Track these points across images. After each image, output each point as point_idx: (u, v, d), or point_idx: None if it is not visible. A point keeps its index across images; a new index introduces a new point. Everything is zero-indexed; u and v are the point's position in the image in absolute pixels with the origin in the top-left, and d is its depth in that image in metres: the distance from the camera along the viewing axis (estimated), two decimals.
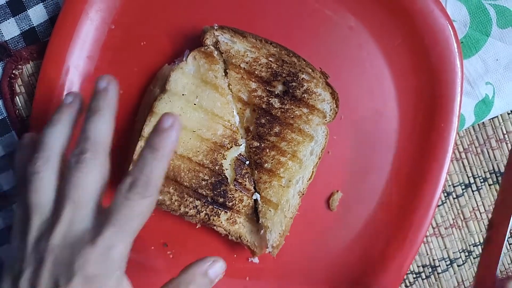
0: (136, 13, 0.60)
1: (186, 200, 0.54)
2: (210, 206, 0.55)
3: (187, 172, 0.54)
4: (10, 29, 0.61)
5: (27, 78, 0.62)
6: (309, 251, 0.63)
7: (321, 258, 0.63)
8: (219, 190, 0.55)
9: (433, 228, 0.66)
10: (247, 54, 0.55)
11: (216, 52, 0.55)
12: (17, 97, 0.62)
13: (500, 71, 0.62)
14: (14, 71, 0.61)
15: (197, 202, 0.54)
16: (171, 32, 0.60)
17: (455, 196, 0.66)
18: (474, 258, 0.67)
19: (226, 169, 0.55)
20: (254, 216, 0.57)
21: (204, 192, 0.55)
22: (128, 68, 0.61)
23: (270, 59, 0.55)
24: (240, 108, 0.56)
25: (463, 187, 0.66)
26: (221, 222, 0.56)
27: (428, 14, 0.60)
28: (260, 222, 0.56)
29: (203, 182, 0.54)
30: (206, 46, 0.55)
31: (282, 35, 0.59)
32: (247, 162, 0.56)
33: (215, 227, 0.56)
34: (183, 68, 0.54)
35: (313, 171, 0.58)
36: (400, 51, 0.62)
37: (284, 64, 0.55)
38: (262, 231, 0.56)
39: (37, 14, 0.61)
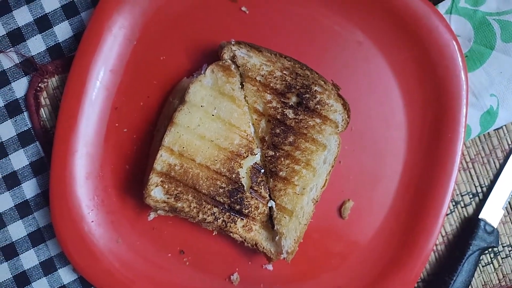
0: (157, 30, 0.63)
1: (204, 207, 0.57)
2: (227, 213, 0.57)
3: (205, 180, 0.56)
4: (36, 45, 0.65)
5: (52, 91, 0.65)
6: (321, 258, 0.65)
7: (334, 264, 0.65)
8: (236, 197, 0.57)
9: (442, 236, 0.68)
10: (263, 68, 0.58)
11: (233, 66, 0.58)
12: (42, 109, 0.65)
13: (504, 83, 0.65)
14: (40, 84, 0.64)
15: (215, 209, 0.57)
16: (189, 48, 0.64)
17: (463, 205, 0.68)
18: (483, 266, 0.68)
19: (243, 177, 0.58)
20: (269, 223, 0.59)
21: (221, 200, 0.57)
22: (148, 81, 0.64)
23: (285, 72, 0.58)
24: (256, 119, 0.58)
25: (471, 196, 0.68)
26: (238, 229, 0.58)
27: (433, 30, 0.63)
28: (275, 228, 0.58)
29: (221, 190, 0.57)
30: (224, 60, 0.58)
31: (294, 50, 0.63)
32: (262, 171, 0.58)
33: (231, 234, 0.58)
34: (201, 80, 0.57)
35: (326, 179, 0.60)
36: (407, 65, 0.65)
37: (298, 77, 0.58)
38: (277, 237, 0.58)
39: (62, 31, 0.65)
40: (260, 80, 0.58)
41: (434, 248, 0.67)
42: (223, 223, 0.57)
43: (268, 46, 0.60)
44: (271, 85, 0.58)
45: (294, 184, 0.58)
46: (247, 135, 0.58)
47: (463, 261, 0.64)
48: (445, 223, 0.68)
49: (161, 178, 0.55)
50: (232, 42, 0.58)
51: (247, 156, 0.57)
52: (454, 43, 0.63)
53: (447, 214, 0.67)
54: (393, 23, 0.64)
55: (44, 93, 0.65)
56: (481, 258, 0.67)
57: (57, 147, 0.61)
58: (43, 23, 0.65)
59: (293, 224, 0.58)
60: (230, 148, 0.57)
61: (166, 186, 0.56)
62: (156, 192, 0.55)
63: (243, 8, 0.64)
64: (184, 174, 0.56)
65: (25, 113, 0.65)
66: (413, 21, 0.63)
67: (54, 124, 0.64)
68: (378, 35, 0.65)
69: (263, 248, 0.59)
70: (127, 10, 0.62)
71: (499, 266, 0.68)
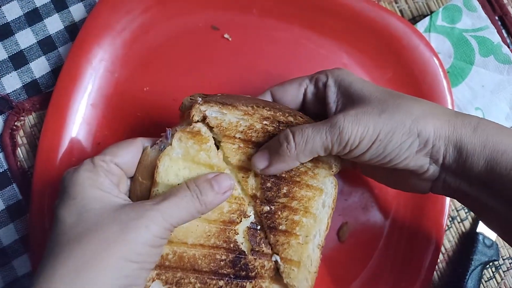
0: (139, 61, 0.62)
1: (209, 284, 0.52)
2: (234, 282, 0.53)
3: (203, 258, 0.51)
4: (12, 82, 0.62)
5: (29, 129, 0.61)
6: (323, 284, 0.62)
7: None
8: (239, 265, 0.53)
9: (443, 254, 0.66)
10: (240, 124, 0.52)
11: (203, 129, 0.51)
12: (18, 148, 0.61)
13: (487, 95, 0.66)
14: (16, 123, 0.61)
15: (221, 282, 0.52)
16: (173, 76, 0.62)
17: (459, 220, 0.67)
18: (485, 281, 0.67)
19: (241, 243, 0.53)
20: (278, 275, 0.56)
21: (225, 271, 0.52)
22: (131, 114, 0.61)
23: (265, 122, 0.53)
24: (243, 177, 0.53)
25: (466, 210, 0.68)
26: None
27: (414, 49, 0.64)
28: (285, 282, 0.55)
29: (222, 263, 0.52)
30: (192, 126, 0.50)
31: (281, 73, 0.62)
32: (259, 227, 0.54)
33: None
34: (169, 154, 0.49)
35: (328, 222, 0.56)
36: (392, 83, 0.65)
37: (281, 124, 0.53)
38: None
39: (39, 67, 0.62)
40: (240, 137, 0.52)
41: (436, 267, 0.65)
42: None
43: (252, 74, 0.59)
44: (253, 139, 0.53)
45: (297, 235, 0.55)
46: (235, 198, 0.52)
47: (467, 277, 0.63)
48: (444, 240, 0.66)
49: (156, 271, 0.50)
50: (199, 101, 0.51)
51: (240, 221, 0.53)
52: (436, 60, 0.64)
53: (445, 230, 0.66)
54: (375, 44, 0.65)
55: (21, 132, 0.61)
56: (483, 273, 0.66)
57: (36, 188, 0.57)
58: (18, 60, 0.62)
59: (302, 274, 0.55)
60: (221, 219, 0.52)
61: (164, 277, 0.50)
62: (154, 286, 0.51)
63: (226, 35, 0.63)
64: (180, 260, 0.51)
65: (1, 154, 0.61)
66: (394, 41, 0.64)
67: (32, 164, 0.61)
68: (361, 56, 0.66)
69: None
70: (108, 42, 0.60)
71: (502, 280, 0.67)
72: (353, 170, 0.61)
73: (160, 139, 0.51)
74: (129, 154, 0.48)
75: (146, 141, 0.51)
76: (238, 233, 0.53)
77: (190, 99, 0.51)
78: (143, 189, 0.50)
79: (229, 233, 0.52)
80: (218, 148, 0.52)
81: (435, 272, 0.66)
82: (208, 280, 0.52)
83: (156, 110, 0.62)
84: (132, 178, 0.51)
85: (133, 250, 0.40)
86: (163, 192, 0.48)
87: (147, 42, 0.62)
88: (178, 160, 0.49)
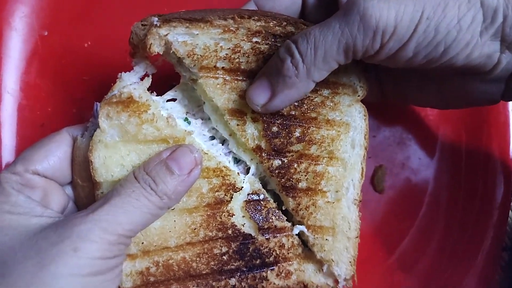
0: (69, 10, 0.47)
1: (218, 286, 0.40)
2: (249, 275, 0.40)
3: (197, 259, 0.39)
4: None
5: None
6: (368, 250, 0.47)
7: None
8: (248, 253, 0.40)
9: None
10: (221, 46, 0.37)
11: (136, 92, 0.35)
12: None
13: None
14: None
15: (232, 280, 0.40)
16: (118, 21, 0.47)
17: None
18: None
19: (242, 224, 0.40)
20: (308, 250, 0.42)
21: (232, 266, 0.40)
22: (75, 78, 0.47)
23: (255, 39, 0.38)
24: (238, 124, 0.39)
25: None
26: (273, 283, 0.40)
27: None
28: (319, 257, 0.41)
29: (224, 257, 0.39)
30: (118, 92, 0.35)
31: None
32: (262, 196, 0.40)
33: None
34: (101, 139, 0.35)
35: (362, 168, 0.42)
36: None
37: (277, 39, 0.38)
38: (325, 267, 0.41)
39: None
40: (223, 67, 0.38)
41: None
42: (251, 287, 0.41)
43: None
44: (242, 67, 0.38)
45: (323, 192, 0.41)
46: (214, 171, 0.38)
47: None
48: None
49: None
50: (155, 23, 0.36)
51: (231, 198, 0.39)
52: None
53: None
54: None
55: None
56: None
57: None
58: None
59: (340, 243, 0.41)
60: (204, 202, 0.38)
61: None
62: None
63: None
64: (167, 270, 0.38)
65: None
66: None
67: None
68: None
69: (316, 285, 0.42)
70: None
71: None
72: (383, 99, 0.46)
73: (89, 121, 0.37)
74: (51, 155, 0.35)
75: (75, 129, 0.37)
76: (233, 214, 0.39)
77: (142, 24, 0.36)
78: (87, 193, 0.37)
79: (221, 217, 0.39)
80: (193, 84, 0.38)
81: None
82: (214, 283, 0.39)
83: (104, 69, 0.47)
84: (72, 184, 0.37)
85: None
86: (107, 189, 0.35)
87: None
88: (116, 145, 0.35)
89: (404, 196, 0.50)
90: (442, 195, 0.50)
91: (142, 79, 0.37)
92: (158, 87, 0.38)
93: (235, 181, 0.38)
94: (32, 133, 0.47)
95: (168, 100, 0.39)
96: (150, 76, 0.37)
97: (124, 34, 0.43)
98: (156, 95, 0.37)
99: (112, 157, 0.35)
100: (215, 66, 0.37)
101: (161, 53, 0.36)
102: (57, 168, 0.35)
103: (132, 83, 0.35)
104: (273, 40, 0.38)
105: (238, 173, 0.39)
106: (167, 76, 0.40)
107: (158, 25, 0.35)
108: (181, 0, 0.48)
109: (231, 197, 0.38)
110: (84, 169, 0.36)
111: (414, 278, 0.48)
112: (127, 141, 0.35)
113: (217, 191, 0.38)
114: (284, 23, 0.38)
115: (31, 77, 0.47)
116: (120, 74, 0.36)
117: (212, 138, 0.40)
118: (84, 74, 0.48)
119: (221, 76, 0.37)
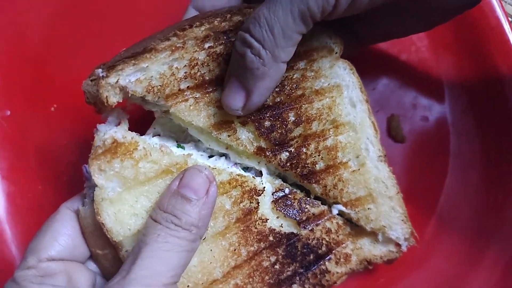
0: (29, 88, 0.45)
1: None
2: (308, 274, 0.38)
3: (249, 279, 0.37)
4: None
5: None
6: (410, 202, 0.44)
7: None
8: (299, 252, 0.38)
9: None
10: (176, 67, 0.35)
11: (119, 134, 0.33)
12: None
13: None
14: None
15: (294, 287, 0.38)
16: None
17: None
18: None
19: (280, 226, 0.38)
20: (355, 226, 0.40)
21: (288, 272, 0.38)
22: (53, 144, 0.45)
23: (207, 45, 0.35)
24: (229, 136, 0.36)
25: None
26: (336, 272, 0.39)
27: None
28: (369, 229, 0.39)
29: (277, 266, 0.37)
30: (101, 140, 0.33)
31: None
32: (287, 190, 0.38)
33: (336, 284, 0.39)
34: (104, 198, 0.33)
35: (372, 121, 0.39)
36: None
37: (230, 35, 0.35)
38: (380, 235, 0.39)
39: None
40: (188, 86, 0.35)
41: None
42: (316, 286, 0.39)
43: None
44: (207, 77, 0.35)
45: (344, 163, 0.38)
46: (229, 183, 0.36)
47: None
48: None
49: None
50: (100, 74, 0.33)
51: (258, 204, 0.37)
52: None
53: None
54: None
55: None
56: None
57: None
58: None
59: (384, 206, 0.39)
60: (232, 218, 0.36)
61: None
62: None
63: None
64: None
65: None
66: None
67: None
68: None
69: (380, 257, 0.40)
70: None
71: None
72: (362, 47, 0.43)
73: (84, 187, 0.35)
74: (59, 236, 0.33)
75: (73, 202, 0.34)
76: (267, 219, 0.37)
77: (91, 80, 0.34)
78: (112, 260, 0.35)
79: (256, 228, 0.37)
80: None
81: None
82: None
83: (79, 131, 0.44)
84: (92, 257, 0.35)
85: None
86: (131, 240, 0.33)
87: None
88: (121, 196, 0.33)
89: (427, 137, 0.46)
90: (465, 121, 0.46)
91: (118, 125, 0.34)
92: (140, 126, 0.36)
93: (254, 185, 0.36)
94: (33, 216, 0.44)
95: (153, 136, 0.36)
96: (126, 119, 0.34)
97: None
98: (140, 136, 0.35)
99: (122, 210, 0.33)
100: (179, 90, 0.35)
101: (121, 101, 0.33)
102: (71, 246, 0.33)
103: (110, 129, 0.33)
104: (225, 38, 0.35)
105: (253, 176, 0.37)
106: (146, 113, 0.37)
107: (105, 75, 0.33)
108: (130, 37, 0.44)
109: (258, 203, 0.36)
110: (98, 236, 0.33)
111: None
112: (130, 188, 0.33)
113: (241, 202, 0.36)
114: (229, 15, 0.35)
115: (8, 162, 0.44)
116: (96, 127, 0.34)
117: (211, 156, 0.37)
118: (61, 139, 0.45)
119: (190, 96, 0.35)
